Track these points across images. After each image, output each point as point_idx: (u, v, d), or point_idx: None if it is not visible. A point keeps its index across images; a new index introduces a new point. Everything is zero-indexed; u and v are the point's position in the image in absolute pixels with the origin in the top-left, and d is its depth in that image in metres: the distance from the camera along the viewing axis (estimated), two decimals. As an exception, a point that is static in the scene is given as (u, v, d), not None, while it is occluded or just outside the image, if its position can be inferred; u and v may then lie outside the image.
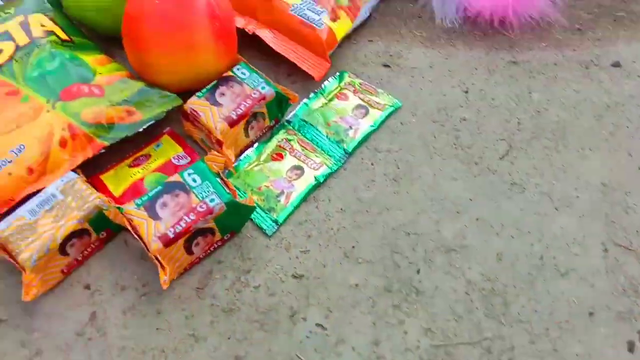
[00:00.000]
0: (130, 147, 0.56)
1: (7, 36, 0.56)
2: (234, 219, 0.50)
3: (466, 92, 0.62)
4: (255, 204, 0.51)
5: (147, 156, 0.56)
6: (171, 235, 0.46)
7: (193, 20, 0.51)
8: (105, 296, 0.49)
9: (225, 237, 0.51)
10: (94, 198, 0.48)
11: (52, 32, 0.57)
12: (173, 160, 0.56)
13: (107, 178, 0.54)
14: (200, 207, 0.47)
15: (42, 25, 0.57)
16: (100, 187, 0.53)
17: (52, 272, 0.48)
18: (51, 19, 0.59)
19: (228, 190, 0.49)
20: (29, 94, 0.52)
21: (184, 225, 0.46)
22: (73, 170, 0.51)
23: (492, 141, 0.59)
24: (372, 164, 0.57)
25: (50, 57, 0.54)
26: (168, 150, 0.56)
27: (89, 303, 0.49)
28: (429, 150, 0.58)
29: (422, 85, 0.63)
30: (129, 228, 0.47)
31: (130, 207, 0.47)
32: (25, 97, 0.52)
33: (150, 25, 0.51)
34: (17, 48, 0.55)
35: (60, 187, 0.49)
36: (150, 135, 0.56)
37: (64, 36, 0.58)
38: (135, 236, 0.47)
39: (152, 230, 0.46)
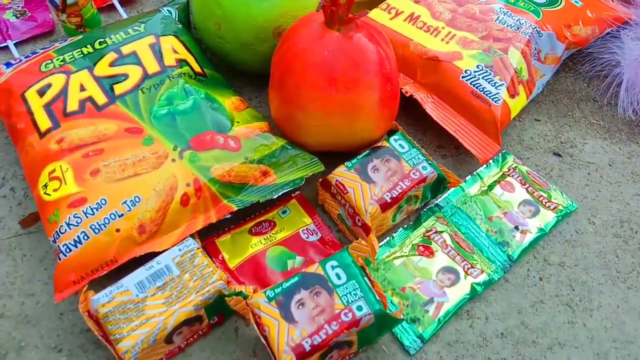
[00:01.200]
0: (254, 207, 0.47)
1: (135, 59, 0.48)
2: (378, 331, 0.40)
3: (653, 203, 0.51)
4: (403, 317, 0.41)
5: (272, 223, 0.47)
6: (307, 348, 0.36)
7: (365, 81, 0.42)
8: (207, 398, 0.40)
9: (361, 350, 0.41)
10: (216, 280, 0.39)
11: (185, 62, 0.49)
12: (301, 234, 0.46)
13: (222, 243, 0.46)
14: (346, 315, 0.37)
15: (175, 52, 0.49)
16: (214, 254, 0.45)
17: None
18: (183, 44, 0.51)
19: (378, 297, 0.39)
20: (154, 136, 0.44)
21: (323, 336, 0.37)
22: (190, 236, 0.42)
23: (687, 273, 0.47)
24: (540, 279, 0.46)
25: (183, 94, 0.46)
26: (296, 219, 0.47)
27: (187, 404, 0.39)
28: (610, 272, 0.47)
29: (601, 187, 0.52)
30: (254, 325, 0.38)
31: (259, 300, 0.38)
32: (148, 139, 0.43)
33: (312, 79, 0.42)
34: (146, 76, 0.47)
35: (177, 258, 0.40)
36: (277, 197, 0.47)
37: (197, 68, 0.50)
38: (261, 337, 0.37)
39: (284, 338, 0.36)
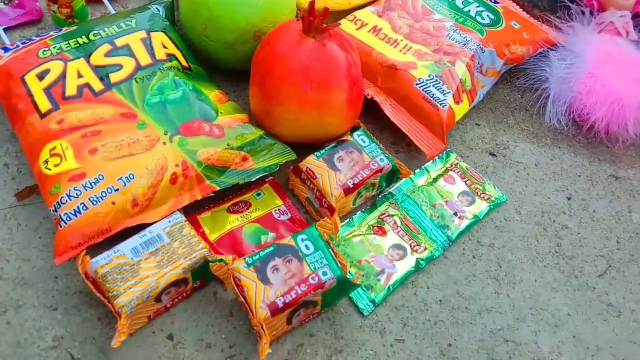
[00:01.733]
0: (230, 190, 0.53)
1: (128, 51, 0.54)
2: (338, 294, 0.47)
3: (569, 198, 0.61)
4: (360, 283, 0.49)
5: (247, 204, 0.53)
6: (280, 305, 0.43)
7: (335, 83, 0.49)
8: (189, 351, 0.46)
9: (323, 311, 0.48)
10: (202, 248, 0.45)
11: (173, 57, 0.55)
12: (274, 213, 0.53)
13: (203, 219, 0.52)
14: (313, 278, 0.44)
15: (165, 47, 0.55)
16: (196, 228, 0.51)
17: (140, 317, 0.45)
18: (172, 40, 0.57)
19: (339, 265, 0.46)
20: (147, 121, 0.49)
21: (294, 295, 0.43)
22: (178, 210, 0.48)
23: (592, 256, 0.57)
24: (473, 257, 0.55)
25: (173, 85, 0.52)
26: (269, 201, 0.54)
27: (171, 356, 0.45)
28: (531, 253, 0.56)
29: (527, 183, 0.61)
30: (234, 287, 0.44)
31: (239, 265, 0.44)
32: (142, 124, 0.49)
33: (291, 79, 0.49)
34: (139, 67, 0.52)
35: (167, 228, 0.46)
36: (252, 181, 0.54)
37: (184, 62, 0.55)
38: (240, 296, 0.44)
39: (261, 296, 0.43)
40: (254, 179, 0.50)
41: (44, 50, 0.53)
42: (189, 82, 0.53)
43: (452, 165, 0.60)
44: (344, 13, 0.65)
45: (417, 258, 0.52)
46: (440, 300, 0.51)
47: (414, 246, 0.53)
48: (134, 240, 0.45)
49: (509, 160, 0.63)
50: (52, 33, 0.55)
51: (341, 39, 0.51)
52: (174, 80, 0.52)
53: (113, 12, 0.65)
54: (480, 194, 0.58)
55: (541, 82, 0.67)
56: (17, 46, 0.54)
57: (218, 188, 0.49)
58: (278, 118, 0.52)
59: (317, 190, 0.52)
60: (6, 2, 0.65)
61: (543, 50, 0.68)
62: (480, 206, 0.57)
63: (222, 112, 0.52)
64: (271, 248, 0.46)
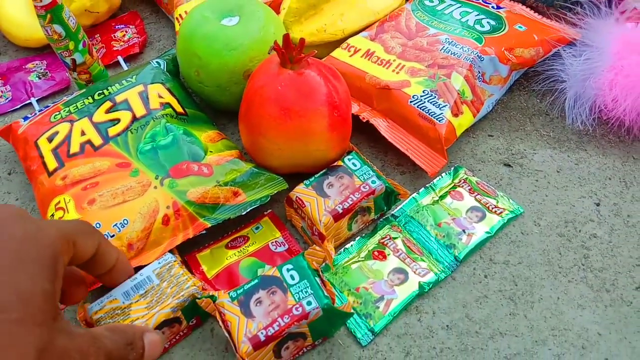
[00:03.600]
0: (231, 226, 0.54)
1: (126, 105, 0.57)
2: (328, 324, 0.45)
3: (598, 204, 0.55)
4: (353, 311, 0.47)
5: (246, 238, 0.54)
6: (262, 338, 0.42)
7: (313, 109, 0.49)
8: (185, 389, 0.46)
9: (317, 342, 0.47)
10: (190, 286, 0.46)
11: (168, 104, 0.58)
12: (270, 245, 0.53)
13: (202, 257, 0.53)
14: (296, 309, 0.43)
15: (160, 97, 0.58)
16: (195, 266, 0.52)
17: None
18: (168, 89, 0.60)
19: (326, 294, 0.45)
20: (140, 168, 0.52)
21: (277, 328, 0.43)
22: (170, 251, 0.49)
23: (627, 266, 0.51)
24: (485, 277, 0.51)
25: (164, 132, 0.54)
26: (267, 234, 0.54)
27: (168, 395, 0.46)
28: (552, 268, 0.51)
29: (548, 192, 0.56)
30: (219, 321, 0.44)
31: (224, 300, 0.45)
32: (135, 171, 0.52)
33: (269, 110, 0.50)
34: (134, 119, 0.56)
35: (156, 270, 0.47)
36: (251, 216, 0.54)
37: (179, 109, 0.58)
38: (225, 331, 0.44)
39: (243, 330, 0.43)
40: (245, 213, 0.51)
41: (55, 115, 0.58)
42: (180, 127, 0.55)
43: (460, 181, 0.57)
44: (338, 43, 0.65)
45: (419, 282, 0.49)
46: (447, 326, 0.48)
47: (416, 269, 0.50)
48: (126, 284, 0.46)
49: (526, 169, 0.58)
50: (64, 98, 0.61)
51: (320, 66, 0.51)
52: (165, 127, 0.54)
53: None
54: (492, 208, 0.54)
55: (559, 83, 0.62)
56: (35, 114, 0.59)
57: (210, 225, 0.50)
58: (265, 150, 0.52)
59: (308, 218, 0.51)
60: (41, 76, 0.72)
61: (558, 50, 0.63)
62: (492, 221, 0.53)
63: (211, 151, 0.54)
64: (256, 280, 0.45)
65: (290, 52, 0.49)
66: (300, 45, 0.49)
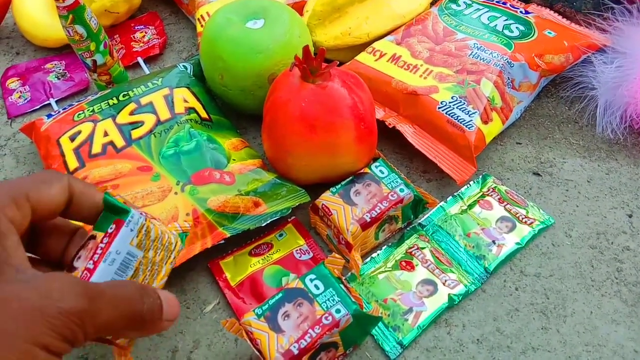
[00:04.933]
0: (255, 232, 0.53)
1: (151, 108, 0.56)
2: (359, 331, 0.44)
3: (630, 216, 0.54)
4: (381, 315, 0.46)
5: (269, 245, 0.53)
6: (295, 352, 0.41)
7: (339, 123, 0.48)
8: (208, 400, 0.45)
9: (348, 352, 0.45)
10: (175, 243, 0.39)
11: (193, 109, 0.57)
12: (295, 253, 0.52)
13: (226, 264, 0.51)
14: (326, 318, 0.42)
15: (185, 101, 0.57)
16: (218, 274, 0.51)
17: None
18: (194, 94, 0.59)
19: (354, 300, 0.43)
20: (161, 173, 0.51)
21: (309, 340, 0.41)
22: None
23: (663, 280, 0.49)
24: (516, 289, 0.49)
25: (187, 137, 0.53)
26: (291, 241, 0.53)
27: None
28: (585, 281, 0.50)
29: (578, 202, 0.55)
30: (247, 341, 0.43)
31: (250, 318, 0.43)
32: (156, 176, 0.51)
33: (294, 128, 0.48)
34: (158, 122, 0.55)
35: (134, 240, 0.36)
36: (275, 222, 0.53)
37: (204, 114, 0.57)
38: (254, 350, 0.42)
39: (274, 346, 0.41)
40: (265, 224, 0.49)
41: (79, 114, 0.57)
42: (204, 133, 0.54)
43: (489, 190, 0.55)
44: (363, 46, 0.64)
45: (449, 294, 0.48)
46: (478, 340, 0.47)
47: (446, 281, 0.49)
48: (108, 272, 0.35)
49: (556, 179, 0.57)
50: (89, 97, 0.60)
51: (343, 77, 0.50)
52: (189, 132, 0.53)
53: (148, 73, 0.69)
54: (522, 218, 0.53)
55: (589, 90, 0.61)
56: (58, 112, 0.59)
57: (228, 235, 0.49)
58: (289, 164, 0.51)
59: (334, 226, 0.50)
60: (59, 77, 0.72)
61: (588, 57, 0.62)
62: (523, 232, 0.52)
63: (234, 159, 0.53)
64: (280, 294, 0.44)
65: (311, 64, 0.48)
66: (321, 55, 0.48)
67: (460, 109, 0.55)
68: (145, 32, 0.76)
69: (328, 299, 0.43)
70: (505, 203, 0.54)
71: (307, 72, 0.48)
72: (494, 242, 0.51)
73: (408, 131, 0.57)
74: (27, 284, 0.26)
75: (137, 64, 0.72)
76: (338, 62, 0.49)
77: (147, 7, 0.82)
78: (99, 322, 0.28)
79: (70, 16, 0.58)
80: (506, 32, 0.61)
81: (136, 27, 0.77)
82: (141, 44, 0.74)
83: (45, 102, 0.69)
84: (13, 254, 0.28)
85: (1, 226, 0.28)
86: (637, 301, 0.48)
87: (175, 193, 0.49)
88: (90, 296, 0.27)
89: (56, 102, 0.69)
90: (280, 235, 0.54)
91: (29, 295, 0.26)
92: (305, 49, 0.47)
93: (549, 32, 0.62)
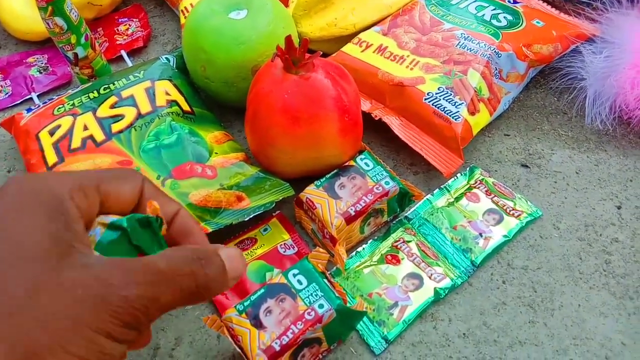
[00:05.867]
0: (237, 227, 0.52)
1: (132, 101, 0.55)
2: (343, 326, 0.44)
3: (619, 207, 0.53)
4: (366, 310, 0.45)
5: (254, 240, 0.52)
6: (277, 348, 0.40)
7: (322, 115, 0.47)
8: (190, 398, 0.44)
9: (332, 347, 0.45)
10: None
11: (175, 102, 0.55)
12: (279, 248, 0.51)
13: (208, 260, 0.50)
14: (309, 314, 0.41)
15: (167, 94, 0.56)
16: (200, 269, 0.50)
17: None
18: (176, 87, 0.58)
19: (337, 295, 0.43)
20: (141, 167, 0.50)
21: (291, 335, 0.41)
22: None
23: (652, 272, 0.49)
24: (503, 283, 0.49)
25: (168, 130, 0.52)
26: (275, 236, 0.52)
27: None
28: (573, 274, 0.49)
29: (567, 194, 0.54)
30: (228, 337, 0.42)
31: (231, 314, 0.42)
32: (136, 170, 0.49)
33: (276, 120, 0.47)
34: (139, 115, 0.54)
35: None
36: (260, 216, 0.52)
37: (186, 107, 0.56)
38: (236, 346, 0.42)
39: (256, 343, 0.40)
40: (247, 219, 0.49)
41: (59, 108, 0.56)
42: (186, 126, 0.53)
43: (476, 182, 0.55)
44: (349, 37, 0.63)
45: (435, 287, 0.47)
46: (464, 334, 0.46)
47: (432, 274, 0.48)
48: None
49: (545, 170, 0.56)
50: (69, 91, 0.59)
51: (327, 67, 0.49)
52: (170, 125, 0.52)
53: (131, 66, 0.68)
54: (510, 210, 0.52)
55: (578, 80, 0.60)
56: (39, 106, 0.57)
57: (210, 230, 0.48)
58: (275, 158, 0.50)
59: (319, 220, 0.49)
60: (42, 70, 0.70)
61: (577, 47, 0.61)
62: (510, 224, 0.51)
63: (216, 153, 0.52)
64: (262, 290, 0.43)
65: (294, 55, 0.47)
66: (304, 46, 0.47)
67: (446, 100, 0.54)
68: (129, 25, 0.75)
69: (311, 294, 0.42)
70: (493, 195, 0.53)
71: (289, 62, 0.47)
72: (480, 234, 0.50)
73: (394, 123, 0.56)
74: (91, 269, 0.26)
75: (121, 57, 0.71)
76: (321, 53, 0.48)
77: (131, -1, 0.81)
78: (162, 304, 0.27)
79: (50, 8, 0.57)
80: (494, 21, 0.60)
81: (120, 20, 0.76)
82: (125, 37, 0.73)
83: (27, 97, 0.68)
84: (79, 238, 0.28)
85: (69, 210, 0.28)
86: (625, 293, 0.47)
87: (156, 188, 0.48)
88: (151, 281, 0.27)
89: (38, 96, 0.68)
90: (265, 229, 0.53)
91: (92, 283, 0.25)
92: (288, 39, 0.46)
93: (537, 22, 0.61)
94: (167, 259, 0.29)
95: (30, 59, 0.72)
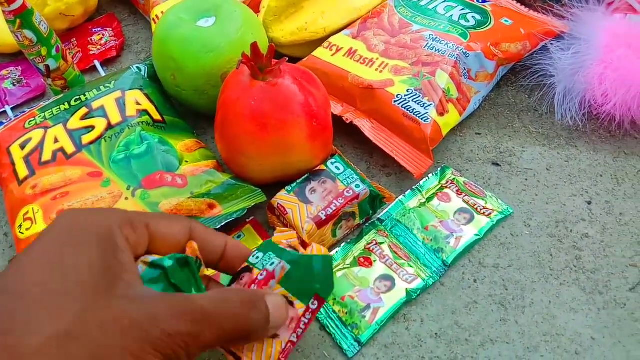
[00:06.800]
0: (209, 235, 0.52)
1: (102, 112, 0.55)
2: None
3: (589, 203, 0.54)
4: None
5: (227, 247, 0.52)
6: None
7: (290, 121, 0.47)
8: None
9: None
10: None
11: (145, 112, 0.55)
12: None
13: (182, 269, 0.51)
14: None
15: (138, 104, 0.56)
16: (174, 278, 0.50)
17: None
18: (147, 96, 0.58)
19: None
20: (111, 178, 0.50)
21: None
22: None
23: (620, 267, 0.49)
24: (475, 281, 0.49)
25: (138, 140, 0.52)
26: (249, 242, 0.52)
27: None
28: (543, 270, 0.49)
29: (538, 191, 0.55)
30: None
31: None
32: (106, 181, 0.50)
33: (245, 127, 0.47)
34: (109, 126, 0.54)
35: None
36: (233, 223, 0.52)
37: (156, 116, 0.56)
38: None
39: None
40: (219, 226, 0.49)
41: (30, 121, 0.56)
42: (156, 135, 0.53)
43: (447, 182, 0.55)
44: (321, 41, 0.63)
45: (407, 288, 0.48)
46: (436, 334, 0.46)
47: (403, 275, 0.48)
48: None
49: (515, 168, 0.57)
50: (41, 103, 0.59)
51: (295, 73, 0.49)
52: (140, 135, 0.52)
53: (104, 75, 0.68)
54: (481, 209, 0.52)
55: (547, 77, 0.61)
56: (10, 119, 0.57)
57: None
58: (244, 165, 0.51)
59: (290, 226, 0.49)
60: (15, 83, 0.70)
61: (546, 44, 0.62)
62: (481, 223, 0.52)
63: (187, 161, 0.52)
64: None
65: (260, 61, 0.47)
66: (270, 53, 0.47)
67: (415, 102, 0.54)
68: (103, 35, 0.75)
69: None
70: (464, 195, 0.54)
71: (255, 69, 0.47)
72: (452, 234, 0.51)
73: (365, 126, 0.56)
74: (136, 302, 0.27)
75: (95, 68, 0.71)
76: (287, 59, 0.48)
77: (105, 8, 0.81)
78: (202, 342, 0.28)
79: (18, 21, 0.57)
80: (462, 21, 0.61)
81: (94, 30, 0.76)
82: (98, 47, 0.73)
83: (1, 110, 0.67)
84: (126, 269, 0.29)
85: (117, 241, 0.29)
86: (595, 288, 0.48)
87: (126, 198, 0.48)
88: (195, 319, 0.28)
89: (12, 109, 0.68)
90: (239, 236, 0.53)
91: (138, 315, 0.27)
92: (254, 45, 0.47)
93: (505, 20, 0.61)
94: (213, 299, 0.30)
95: (3, 72, 0.72)
